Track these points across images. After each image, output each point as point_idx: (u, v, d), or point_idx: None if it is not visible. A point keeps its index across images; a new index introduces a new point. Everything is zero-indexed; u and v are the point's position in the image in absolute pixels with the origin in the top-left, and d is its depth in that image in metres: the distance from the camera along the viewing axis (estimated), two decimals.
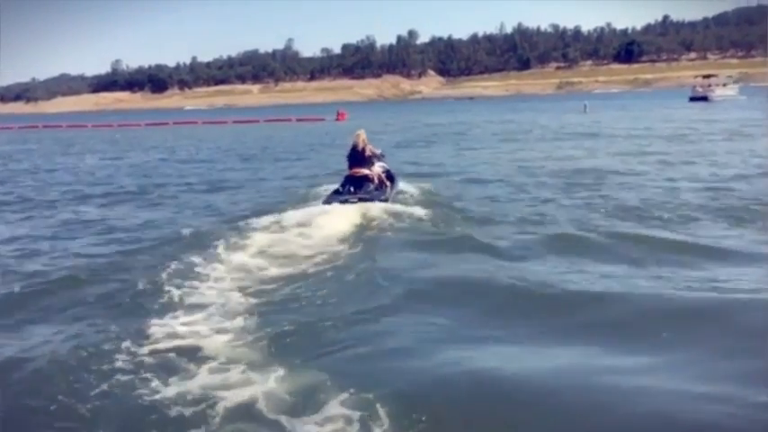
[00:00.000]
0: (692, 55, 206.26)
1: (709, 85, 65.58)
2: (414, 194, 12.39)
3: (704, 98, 61.81)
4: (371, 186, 11.17)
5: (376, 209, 10.12)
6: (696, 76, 75.83)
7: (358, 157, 11.49)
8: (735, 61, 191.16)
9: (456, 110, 79.12)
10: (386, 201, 10.77)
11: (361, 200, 10.50)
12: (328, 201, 10.65)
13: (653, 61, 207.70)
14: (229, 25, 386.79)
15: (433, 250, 8.07)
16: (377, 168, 11.73)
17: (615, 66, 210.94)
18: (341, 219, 9.52)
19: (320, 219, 9.49)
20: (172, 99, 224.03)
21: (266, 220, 9.77)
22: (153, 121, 71.15)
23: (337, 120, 58.26)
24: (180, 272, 7.12)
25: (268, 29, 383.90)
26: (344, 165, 11.83)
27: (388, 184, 11.74)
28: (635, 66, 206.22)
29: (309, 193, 12.98)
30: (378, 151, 12.15)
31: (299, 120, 61.18)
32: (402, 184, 12.78)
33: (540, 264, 7.26)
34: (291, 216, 9.80)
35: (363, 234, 9.01)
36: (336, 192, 11.18)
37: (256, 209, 11.07)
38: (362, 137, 11.63)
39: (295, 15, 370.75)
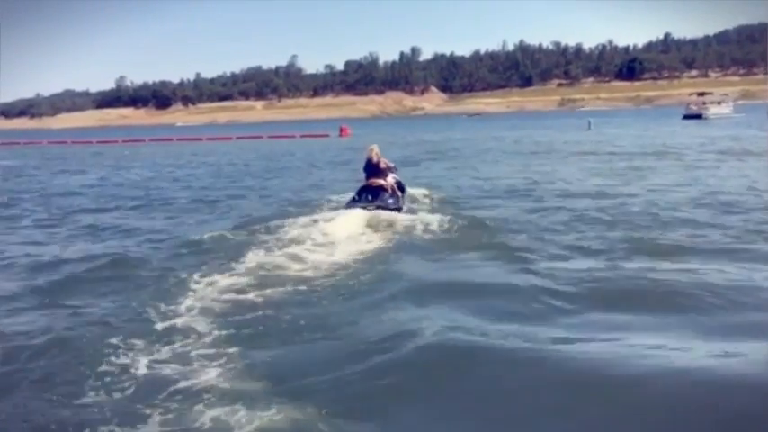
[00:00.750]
0: (694, 72, 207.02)
1: (704, 103, 65.33)
2: (424, 204, 13.02)
3: (698, 116, 61.37)
4: (386, 195, 11.78)
5: (391, 217, 10.76)
6: (691, 94, 75.08)
7: (373, 169, 12.32)
8: (736, 79, 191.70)
9: (463, 127, 79.06)
10: (400, 209, 11.59)
11: (378, 207, 11.18)
12: (346, 208, 11.35)
13: (654, 79, 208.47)
14: (233, 42, 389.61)
15: (447, 261, 8.14)
16: (390, 180, 12.40)
17: (617, 83, 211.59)
18: (357, 227, 10.02)
19: (337, 226, 9.90)
20: (175, 115, 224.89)
21: (277, 231, 9.85)
22: (157, 137, 71.35)
23: (340, 136, 58.44)
24: (169, 291, 6.79)
25: (271, 46, 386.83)
26: (355, 178, 12.75)
27: (400, 194, 12.43)
28: (636, 83, 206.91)
29: (322, 204, 13.36)
30: (391, 164, 12.97)
31: (302, 136, 61.35)
32: (411, 195, 13.58)
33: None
34: (301, 227, 9.98)
35: (377, 244, 9.11)
36: (353, 200, 11.86)
37: (267, 220, 11.04)
38: (375, 150, 12.49)
39: (298, 32, 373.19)
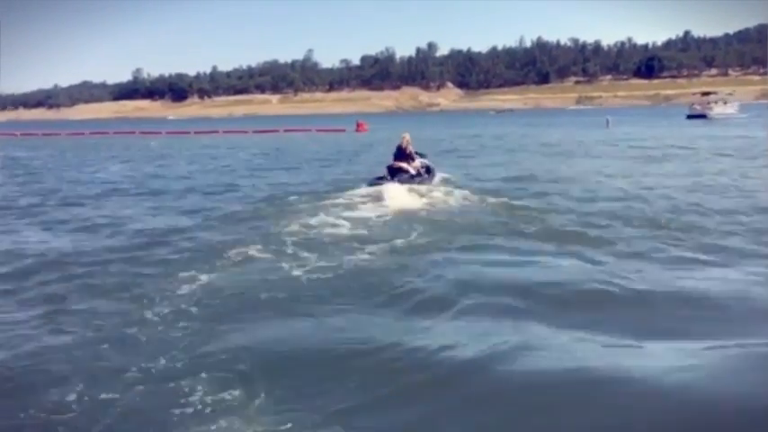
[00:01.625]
0: (714, 71, 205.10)
1: (708, 103, 64.41)
2: (451, 189, 13.81)
3: (703, 116, 60.21)
4: (405, 176, 13.88)
5: (402, 191, 12.56)
6: (694, 93, 74.27)
7: (401, 153, 14.51)
8: (756, 78, 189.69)
9: (490, 123, 78.25)
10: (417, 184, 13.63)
11: (399, 182, 13.32)
12: (370, 184, 13.64)
13: (673, 77, 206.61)
14: (250, 35, 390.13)
15: (460, 243, 8.51)
16: (417, 163, 14.56)
17: (635, 81, 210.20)
18: (373, 206, 11.42)
19: (357, 206, 11.57)
20: (192, 108, 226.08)
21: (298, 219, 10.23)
22: (173, 130, 71.64)
23: (357, 131, 58.20)
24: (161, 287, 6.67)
25: (288, 39, 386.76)
26: (388, 160, 14.81)
27: (426, 176, 14.65)
28: (655, 81, 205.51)
29: (344, 189, 14.32)
30: (417, 153, 15.00)
31: (318, 130, 61.17)
32: (439, 178, 15.37)
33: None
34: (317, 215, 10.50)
35: (393, 224, 9.94)
36: (379, 178, 14.02)
37: (280, 208, 11.61)
38: (407, 138, 14.65)
39: (315, 26, 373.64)
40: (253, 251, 8.04)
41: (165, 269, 7.47)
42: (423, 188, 13.25)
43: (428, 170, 14.99)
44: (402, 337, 5.05)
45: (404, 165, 14.16)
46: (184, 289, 6.52)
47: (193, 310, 5.90)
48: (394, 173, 13.95)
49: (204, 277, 6.90)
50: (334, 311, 5.85)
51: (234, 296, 6.31)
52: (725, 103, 65.12)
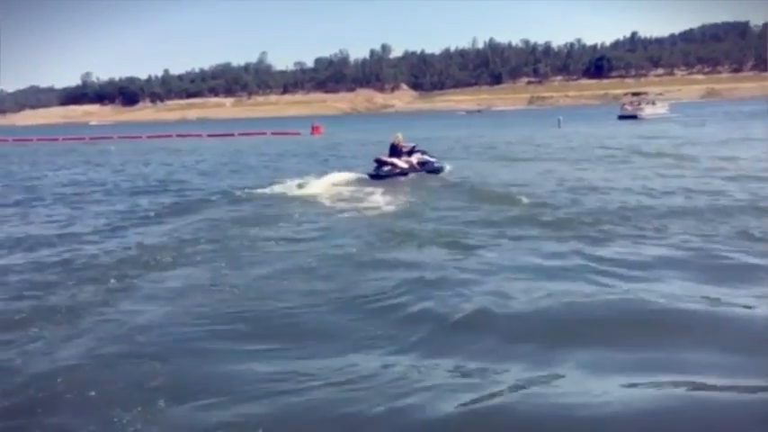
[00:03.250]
0: (660, 71, 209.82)
1: (639, 103, 65.59)
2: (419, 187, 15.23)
3: (633, 116, 61.18)
4: (386, 168, 16.28)
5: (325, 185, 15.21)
6: (626, 94, 75.84)
7: (394, 150, 16.77)
8: (701, 77, 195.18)
9: (449, 124, 78.59)
10: (382, 177, 15.93)
11: (377, 175, 16.14)
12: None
13: (622, 77, 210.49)
14: (202, 38, 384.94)
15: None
16: (413, 159, 16.82)
17: (585, 81, 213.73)
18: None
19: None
20: (144, 112, 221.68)
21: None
22: (126, 134, 70.13)
23: (312, 134, 57.93)
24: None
25: (241, 42, 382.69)
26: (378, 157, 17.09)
27: (421, 170, 16.80)
28: (605, 81, 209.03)
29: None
30: (411, 145, 17.34)
31: (274, 134, 60.68)
32: (446, 173, 17.26)
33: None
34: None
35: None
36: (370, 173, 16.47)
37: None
38: (399, 138, 16.98)
39: (268, 29, 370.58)
40: (167, 257, 8.55)
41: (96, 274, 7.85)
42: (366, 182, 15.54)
43: (423, 164, 16.96)
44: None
45: (391, 159, 16.35)
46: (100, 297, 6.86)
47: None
48: (380, 165, 16.22)
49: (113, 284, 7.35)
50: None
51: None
52: (653, 103, 66.40)
